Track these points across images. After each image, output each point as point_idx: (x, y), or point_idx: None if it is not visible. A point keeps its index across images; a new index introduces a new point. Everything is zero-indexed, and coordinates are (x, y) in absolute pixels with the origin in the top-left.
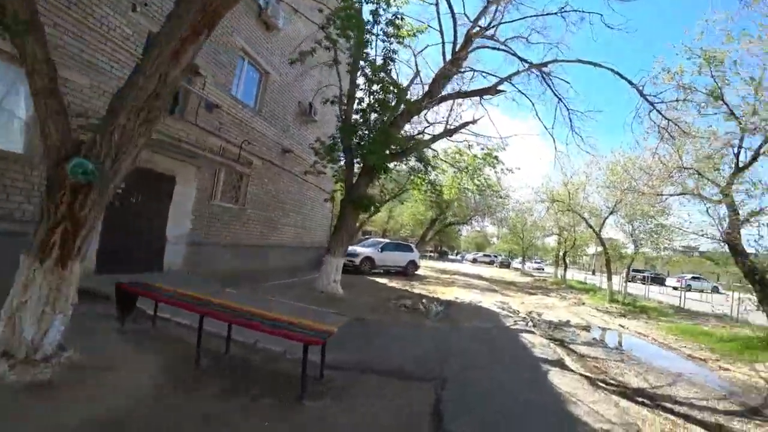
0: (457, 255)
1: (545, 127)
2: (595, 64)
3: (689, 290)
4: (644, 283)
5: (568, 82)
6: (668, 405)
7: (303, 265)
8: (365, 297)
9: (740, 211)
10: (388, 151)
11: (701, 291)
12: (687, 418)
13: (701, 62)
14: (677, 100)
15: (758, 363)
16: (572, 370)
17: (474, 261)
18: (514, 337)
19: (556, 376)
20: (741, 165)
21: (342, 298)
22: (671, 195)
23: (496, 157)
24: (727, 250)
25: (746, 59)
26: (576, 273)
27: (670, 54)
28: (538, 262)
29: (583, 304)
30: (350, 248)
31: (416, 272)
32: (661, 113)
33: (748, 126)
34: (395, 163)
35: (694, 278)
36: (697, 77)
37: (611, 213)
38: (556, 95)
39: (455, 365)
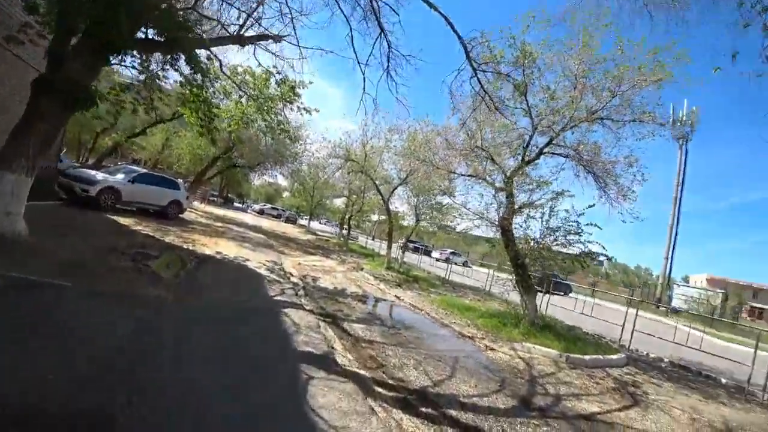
0: (244, 204)
1: (358, 62)
2: (431, 5)
3: (448, 263)
4: (417, 254)
5: (397, 13)
6: (454, 413)
7: None
8: (75, 245)
9: (516, 201)
10: (133, 24)
11: (456, 264)
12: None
13: (518, 55)
14: (495, 79)
15: (516, 342)
16: (343, 373)
17: (261, 212)
18: (274, 317)
19: (320, 389)
20: (526, 159)
21: (23, 243)
22: (462, 175)
23: (293, 89)
24: (500, 235)
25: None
26: (360, 237)
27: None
28: (325, 222)
29: (362, 269)
30: (86, 172)
31: (181, 215)
32: (480, 82)
33: (538, 126)
34: (149, 55)
35: (452, 253)
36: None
37: (402, 183)
38: (380, 25)
39: (143, 385)
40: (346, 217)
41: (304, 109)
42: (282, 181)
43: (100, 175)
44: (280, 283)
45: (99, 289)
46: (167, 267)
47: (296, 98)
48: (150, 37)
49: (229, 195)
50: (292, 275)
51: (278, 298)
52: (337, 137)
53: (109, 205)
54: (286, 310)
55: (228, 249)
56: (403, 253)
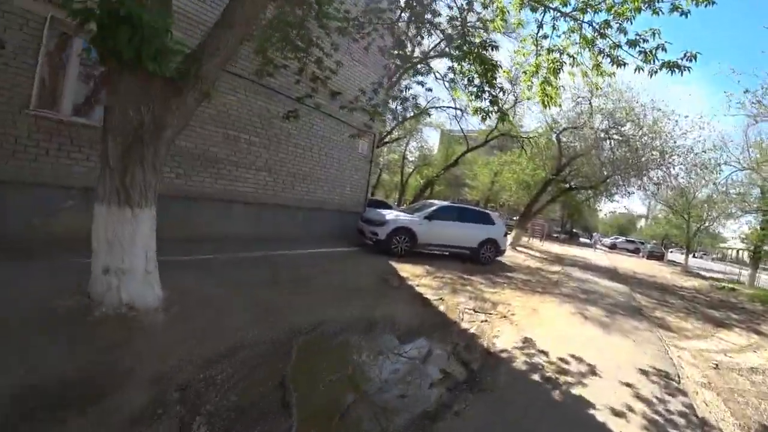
0: (591, 239)
1: None
2: None
3: None
4: None
5: None
6: None
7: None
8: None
9: None
10: None
11: None
12: None
13: None
14: None
15: None
16: None
17: (612, 247)
18: None
19: None
20: None
21: (147, 332)
22: None
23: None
24: None
25: None
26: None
27: None
28: (703, 255)
29: None
30: (376, 212)
31: (499, 258)
32: None
33: None
34: None
35: None
36: None
37: None
38: None
39: None
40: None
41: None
42: (638, 206)
43: (390, 215)
44: None
45: None
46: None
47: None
48: None
49: (574, 229)
50: None
51: None
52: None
53: (402, 250)
54: None
55: (552, 326)
56: None
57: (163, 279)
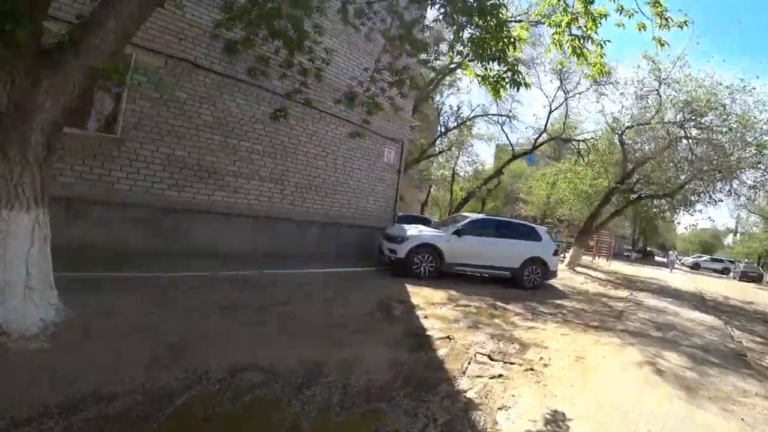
0: (668, 258)
1: None
2: None
3: None
4: None
5: None
6: None
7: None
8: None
9: None
10: None
11: None
12: None
13: None
14: None
15: None
16: None
17: (695, 267)
18: None
19: None
20: None
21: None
22: None
23: None
24: None
25: None
26: None
27: None
28: None
29: None
30: (398, 227)
31: (549, 281)
32: None
33: None
34: None
35: None
36: None
37: None
38: None
39: None
40: None
41: None
42: (725, 218)
43: (412, 230)
44: None
45: None
46: None
47: None
48: None
49: (648, 247)
50: None
51: None
52: None
53: (427, 271)
54: None
55: (602, 388)
56: None
57: (86, 299)
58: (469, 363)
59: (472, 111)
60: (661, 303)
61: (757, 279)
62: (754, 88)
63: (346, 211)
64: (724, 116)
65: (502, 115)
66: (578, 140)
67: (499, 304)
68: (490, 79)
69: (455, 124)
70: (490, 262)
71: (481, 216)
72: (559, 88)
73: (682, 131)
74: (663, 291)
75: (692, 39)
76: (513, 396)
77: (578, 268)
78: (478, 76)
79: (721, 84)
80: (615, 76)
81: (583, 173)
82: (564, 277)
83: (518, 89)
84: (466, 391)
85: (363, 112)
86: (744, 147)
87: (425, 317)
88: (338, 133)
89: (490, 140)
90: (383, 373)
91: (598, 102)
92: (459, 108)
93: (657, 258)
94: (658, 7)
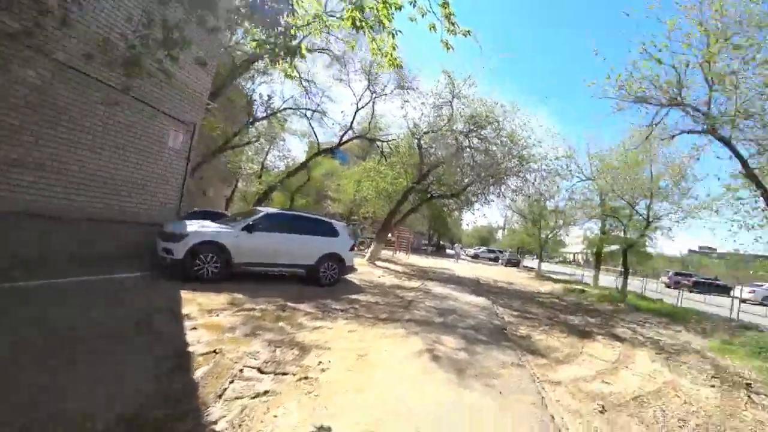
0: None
1: None
2: None
3: None
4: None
5: None
6: None
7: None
8: None
9: None
10: None
11: None
12: None
13: None
14: None
15: None
16: None
17: (475, 257)
18: None
19: None
20: None
21: None
22: None
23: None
24: None
25: None
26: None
27: None
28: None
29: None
30: (177, 224)
31: (347, 276)
32: None
33: None
34: None
35: None
36: None
37: None
38: None
39: None
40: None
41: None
42: (497, 217)
43: (192, 226)
44: None
45: None
46: None
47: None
48: None
49: (441, 242)
50: None
51: None
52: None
53: (211, 272)
54: None
55: (380, 388)
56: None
57: None
58: (232, 381)
59: (284, 102)
60: (445, 290)
61: (516, 264)
62: (519, 109)
63: (123, 204)
64: (498, 131)
65: (310, 110)
66: (382, 141)
67: (289, 304)
68: (266, 46)
69: (264, 114)
70: (284, 259)
71: (275, 210)
72: (366, 87)
73: (467, 140)
74: (449, 279)
75: (482, 60)
76: (275, 417)
77: (378, 263)
78: (255, 40)
79: (497, 104)
80: (417, 84)
81: (385, 173)
82: (363, 271)
83: (292, 59)
84: (216, 422)
85: (121, 75)
86: (510, 158)
87: (193, 329)
88: (110, 109)
89: (303, 137)
90: (104, 414)
91: (402, 108)
92: (270, 98)
93: (448, 251)
94: (446, 8)
